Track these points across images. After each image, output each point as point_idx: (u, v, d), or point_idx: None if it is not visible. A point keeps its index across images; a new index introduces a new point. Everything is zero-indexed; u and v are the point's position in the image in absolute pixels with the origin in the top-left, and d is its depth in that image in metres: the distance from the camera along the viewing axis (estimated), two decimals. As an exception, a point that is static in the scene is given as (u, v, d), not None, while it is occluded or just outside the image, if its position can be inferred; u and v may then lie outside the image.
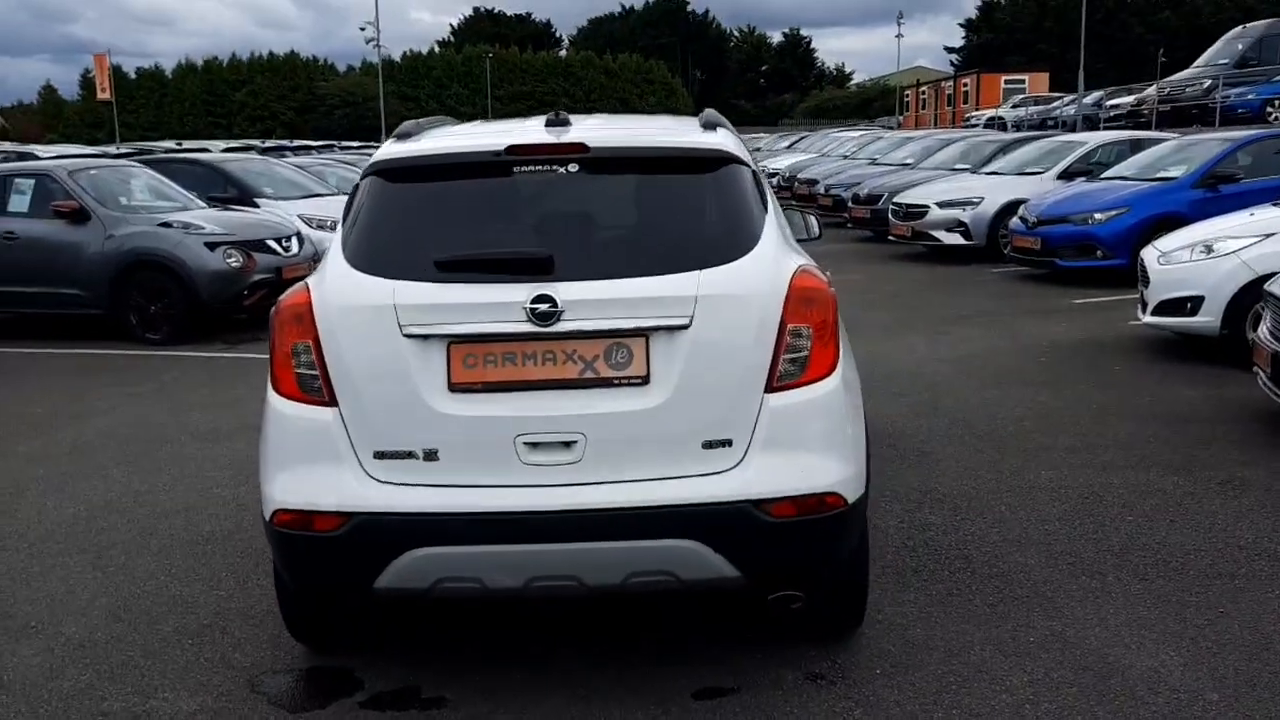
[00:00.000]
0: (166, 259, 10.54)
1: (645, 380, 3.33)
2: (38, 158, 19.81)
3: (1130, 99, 32.12)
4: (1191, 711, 3.45)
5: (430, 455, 3.35)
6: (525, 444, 3.32)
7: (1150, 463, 5.92)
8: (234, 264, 10.63)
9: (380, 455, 3.37)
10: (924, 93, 64.93)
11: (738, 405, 3.36)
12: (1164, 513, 5.16)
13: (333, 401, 3.41)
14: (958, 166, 18.39)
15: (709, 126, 3.93)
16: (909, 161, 21.02)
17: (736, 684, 3.68)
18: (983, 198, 15.25)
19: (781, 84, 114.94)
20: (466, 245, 3.50)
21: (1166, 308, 8.35)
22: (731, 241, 3.49)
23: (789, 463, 3.37)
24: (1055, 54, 61.64)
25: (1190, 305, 8.15)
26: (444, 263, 3.40)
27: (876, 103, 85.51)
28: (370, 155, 4.20)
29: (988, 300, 11.99)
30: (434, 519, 3.31)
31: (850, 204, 19.00)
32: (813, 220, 5.59)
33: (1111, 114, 32.31)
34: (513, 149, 3.56)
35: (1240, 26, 27.24)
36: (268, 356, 3.56)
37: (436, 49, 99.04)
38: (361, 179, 3.78)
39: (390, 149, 3.81)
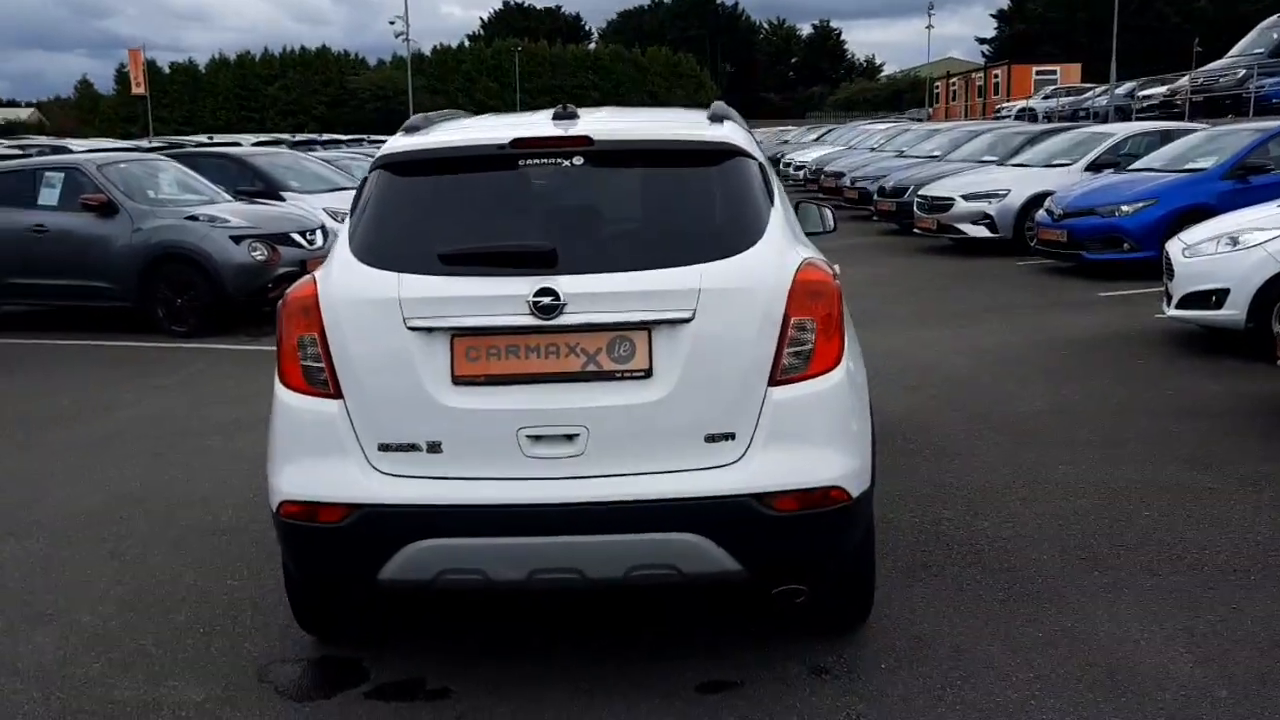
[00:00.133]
0: (193, 252, 10.64)
1: (648, 373, 3.33)
2: (71, 151, 20.05)
3: (1163, 89, 31.72)
4: (1200, 708, 3.42)
5: (434, 448, 3.36)
6: (528, 437, 3.33)
7: (1169, 457, 5.86)
8: (259, 257, 10.71)
9: (385, 447, 3.39)
10: (954, 84, 64.49)
11: (741, 399, 3.35)
12: (1181, 508, 5.11)
13: (338, 394, 3.43)
14: (985, 159, 18.23)
15: (716, 119, 3.92)
16: (936, 154, 20.87)
17: (740, 677, 3.68)
18: (1009, 190, 15.12)
19: (811, 76, 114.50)
20: (471, 238, 3.51)
21: (1191, 300, 8.25)
22: (736, 234, 3.48)
23: (792, 456, 3.36)
24: (1088, 44, 61.05)
25: (1215, 298, 8.06)
26: (448, 256, 3.41)
27: (906, 95, 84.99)
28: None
29: (1012, 293, 11.90)
30: (437, 511, 3.33)
31: (876, 197, 18.90)
32: (828, 213, 5.55)
33: (1144, 105, 31.94)
34: (517, 142, 3.56)
35: (1276, 15, 26.81)
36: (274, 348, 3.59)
37: (466, 43, 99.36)
38: (369, 172, 3.80)
39: (397, 142, 3.83)
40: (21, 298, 11.48)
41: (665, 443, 3.34)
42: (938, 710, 3.46)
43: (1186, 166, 12.72)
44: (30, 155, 18.45)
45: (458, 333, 3.35)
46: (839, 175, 23.08)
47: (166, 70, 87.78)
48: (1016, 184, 15.28)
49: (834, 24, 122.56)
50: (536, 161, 3.57)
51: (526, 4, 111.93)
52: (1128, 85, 35.54)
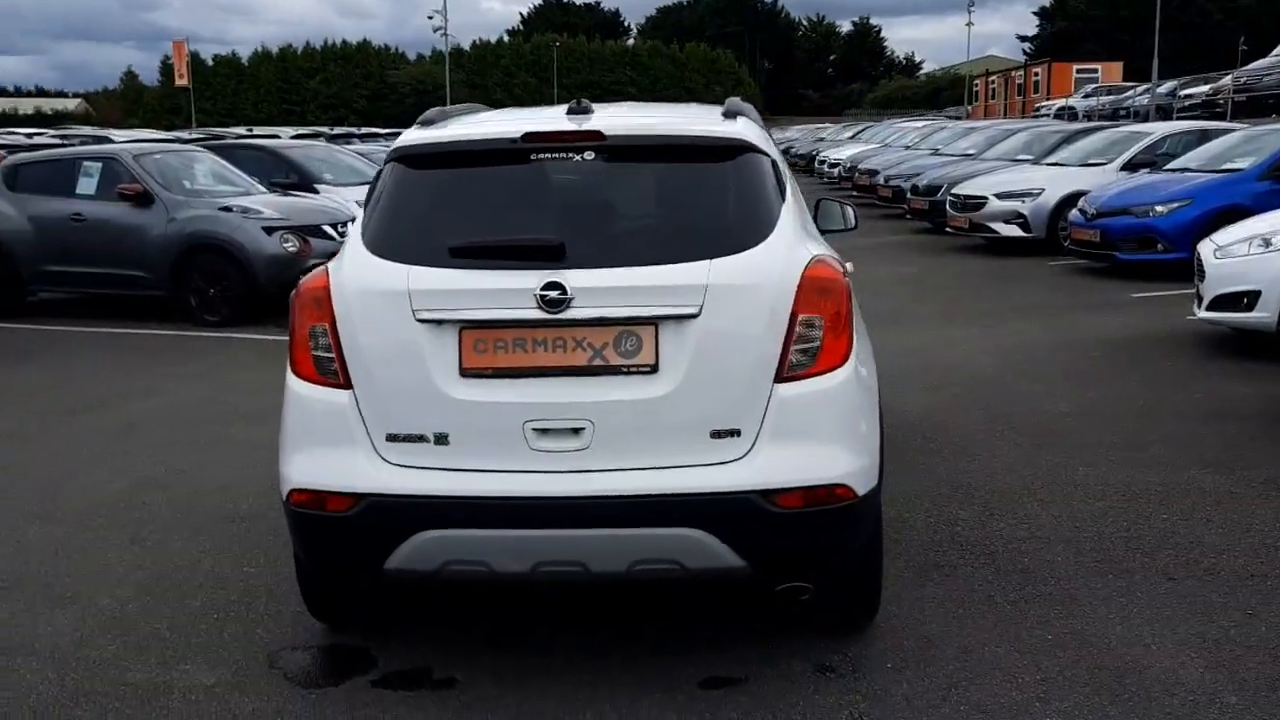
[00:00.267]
0: (225, 242, 10.75)
1: (654, 369, 3.34)
2: (112, 142, 20.32)
3: (1205, 89, 31.35)
4: (1208, 714, 3.38)
5: (441, 439, 3.39)
6: (534, 430, 3.34)
7: (1193, 460, 5.80)
8: (290, 248, 10.81)
9: (393, 438, 3.42)
10: (993, 82, 63.97)
11: (747, 395, 3.35)
12: (1201, 511, 5.05)
13: (348, 384, 3.46)
14: (1020, 157, 18.07)
15: (730, 115, 3.92)
16: (971, 152, 20.71)
17: (744, 674, 3.68)
18: (1043, 189, 14.97)
19: (850, 73, 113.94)
20: (482, 232, 3.53)
21: (1222, 302, 8.15)
22: (745, 231, 3.48)
23: (798, 453, 3.36)
24: (1131, 42, 60.39)
25: (1246, 300, 7.95)
26: (457, 249, 3.44)
27: (946, 92, 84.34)
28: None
29: (1042, 293, 11.80)
30: (443, 502, 3.35)
31: (909, 195, 18.78)
32: (849, 210, 5.53)
33: (1186, 104, 31.55)
34: (529, 136, 3.58)
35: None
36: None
37: (506, 38, 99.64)
38: (384, 165, 3.83)
39: (412, 135, 3.86)
40: (59, 285, 11.66)
41: (671, 438, 3.34)
42: (941, 710, 3.44)
43: (1223, 167, 12.56)
44: (73, 145, 18.72)
45: (466, 325, 3.37)
46: (873, 173, 22.96)
47: (210, 63, 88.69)
48: (1051, 183, 15.14)
49: (874, 21, 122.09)
50: (548, 156, 3.59)
51: (566, 0, 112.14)
52: (1169, 84, 35.15)
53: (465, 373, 3.37)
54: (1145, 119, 29.77)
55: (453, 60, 70.78)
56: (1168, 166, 13.71)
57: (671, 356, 3.33)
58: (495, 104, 4.46)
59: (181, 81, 58.18)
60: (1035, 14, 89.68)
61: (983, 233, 15.43)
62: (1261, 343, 8.10)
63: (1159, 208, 12.15)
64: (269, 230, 10.80)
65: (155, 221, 10.92)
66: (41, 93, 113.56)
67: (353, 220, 12.26)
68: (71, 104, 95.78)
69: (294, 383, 3.58)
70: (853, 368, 3.47)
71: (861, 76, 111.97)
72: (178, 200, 11.08)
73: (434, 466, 3.40)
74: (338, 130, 35.13)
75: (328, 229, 11.33)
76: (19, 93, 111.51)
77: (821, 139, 41.13)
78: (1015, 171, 16.53)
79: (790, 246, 3.50)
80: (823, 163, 31.29)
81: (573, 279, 3.32)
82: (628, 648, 3.90)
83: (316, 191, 13.58)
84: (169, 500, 5.66)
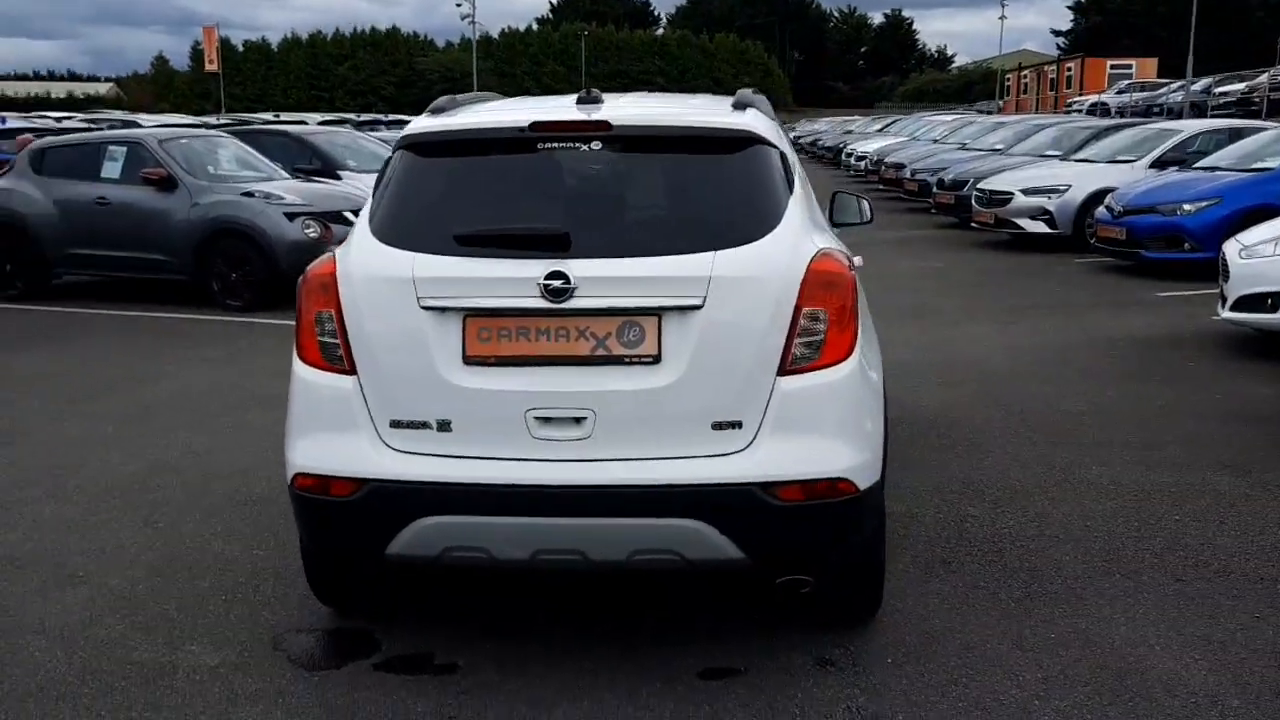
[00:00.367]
0: (247, 228, 10.81)
1: (656, 359, 3.34)
2: (140, 126, 20.48)
3: (1241, 86, 30.99)
4: (1208, 717, 3.35)
5: (444, 426, 3.40)
6: (536, 418, 3.35)
7: (1208, 462, 5.74)
8: (311, 234, 10.86)
9: (396, 424, 3.44)
10: (1025, 77, 63.47)
11: (749, 387, 3.35)
12: (1213, 513, 5.01)
13: (352, 370, 3.48)
14: (1048, 153, 17.93)
15: (739, 106, 3.91)
16: (999, 147, 20.56)
17: (744, 665, 3.69)
18: (1069, 185, 14.85)
19: (881, 66, 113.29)
20: (488, 220, 3.53)
21: (1246, 303, 8.06)
22: (750, 223, 3.47)
23: (799, 447, 3.35)
24: (1167, 39, 59.72)
25: (1271, 301, 7.86)
26: (462, 237, 3.44)
27: (978, 86, 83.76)
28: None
29: (1066, 291, 11.70)
30: (444, 488, 3.37)
31: (935, 189, 18.67)
32: (865, 204, 5.53)
33: (1220, 101, 31.21)
34: (536, 125, 3.58)
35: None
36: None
37: (535, 26, 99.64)
38: (393, 152, 3.84)
39: (421, 123, 3.87)
40: (83, 268, 11.76)
41: (672, 428, 3.34)
42: (940, 707, 3.43)
43: (1254, 165, 12.40)
44: (101, 129, 18.88)
45: (470, 313, 3.38)
46: (899, 167, 22.85)
47: (240, 48, 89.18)
48: (1078, 179, 15.01)
49: (906, 13, 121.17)
50: (555, 145, 3.59)
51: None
52: (1204, 81, 34.76)
53: (469, 360, 3.38)
54: (1179, 116, 29.47)
55: (481, 48, 70.93)
56: (1197, 165, 13.56)
57: (674, 347, 3.33)
58: (523, 93, 4.41)
59: (211, 67, 58.57)
60: (1070, 8, 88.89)
61: (1008, 228, 15.32)
62: (1285, 344, 8.01)
63: (1186, 206, 12.03)
64: (291, 216, 10.86)
65: (179, 206, 11.00)
66: (74, 77, 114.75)
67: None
68: (103, 88, 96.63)
69: (300, 368, 3.60)
70: (857, 362, 3.45)
71: (892, 69, 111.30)
72: (201, 185, 11.16)
73: (436, 453, 3.41)
74: (365, 117, 35.25)
75: (349, 215, 11.33)
76: (52, 77, 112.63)
77: (850, 131, 40.96)
78: (1042, 167, 16.41)
79: (796, 239, 3.49)
80: (850, 155, 31.17)
81: (576, 268, 3.32)
82: (628, 637, 3.91)
83: (339, 178, 13.63)
84: (183, 483, 5.71)
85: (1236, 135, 14.60)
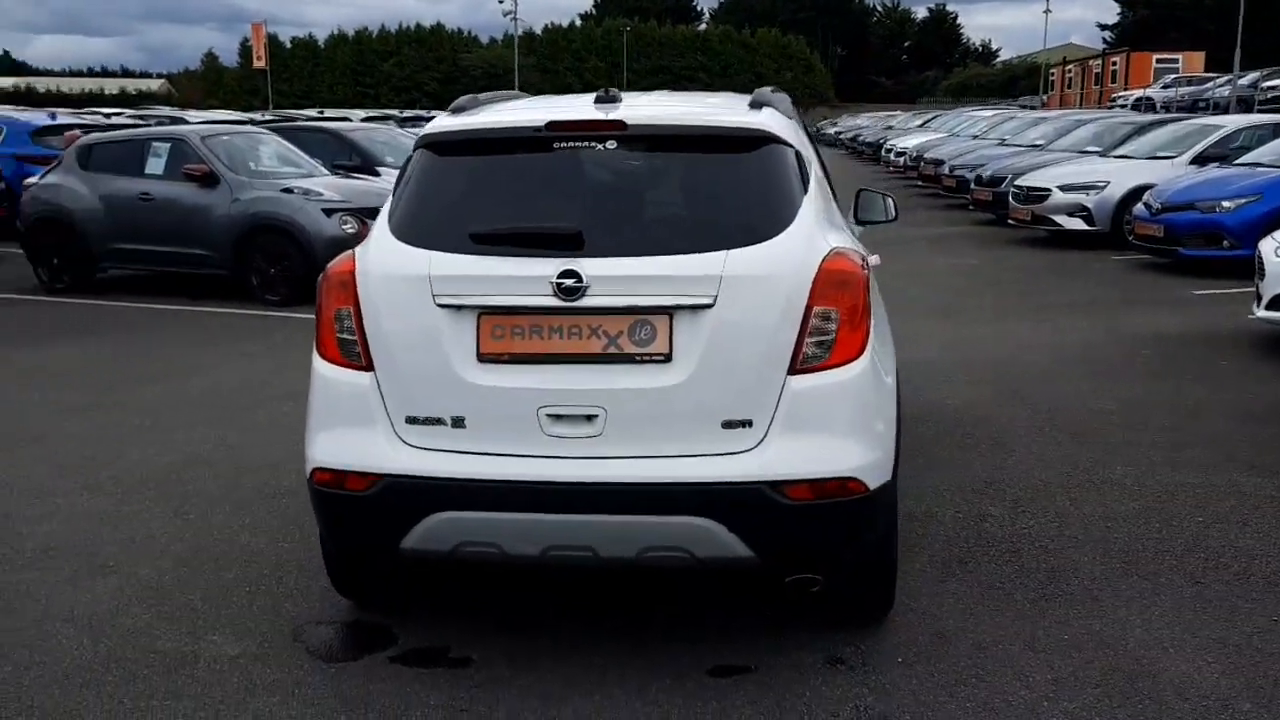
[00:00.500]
0: (286, 223, 10.96)
1: (668, 358, 3.37)
2: (187, 123, 20.77)
3: (1290, 80, 30.45)
4: (1219, 720, 3.35)
5: (458, 422, 3.46)
6: (548, 415, 3.40)
7: (1236, 463, 5.69)
8: (349, 230, 10.97)
9: (411, 420, 3.50)
10: (1070, 71, 62.74)
11: (759, 386, 3.37)
12: (1237, 515, 4.97)
13: (369, 366, 3.55)
14: (1088, 149, 17.73)
15: (756, 106, 3.93)
16: (1040, 143, 20.35)
17: (754, 663, 3.71)
18: (1108, 182, 14.68)
19: (924, 60, 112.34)
20: (503, 219, 3.58)
21: (1282, 302, 7.95)
22: (763, 222, 3.49)
23: (809, 446, 3.37)
24: (1216, 32, 58.70)
25: (1307, 301, 7.76)
26: (477, 235, 3.50)
27: (1022, 81, 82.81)
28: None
29: (1101, 288, 11.59)
30: (457, 484, 3.42)
31: (972, 185, 18.53)
32: (890, 202, 5.56)
33: (1269, 96, 30.69)
34: (553, 125, 3.63)
35: None
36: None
37: (578, 22, 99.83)
38: (413, 151, 3.90)
39: (440, 122, 3.93)
40: (126, 262, 11.97)
41: (682, 427, 3.38)
42: (948, 707, 3.45)
43: (1297, 162, 12.21)
44: (150, 125, 19.17)
45: (484, 311, 3.43)
46: (938, 163, 22.68)
47: (288, 45, 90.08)
48: (1117, 176, 14.84)
49: (950, 7, 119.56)
50: (571, 144, 3.63)
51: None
52: (1252, 75, 34.18)
53: (482, 358, 3.44)
54: (1225, 111, 29.02)
55: (524, 44, 71.17)
56: (1239, 161, 13.37)
57: (685, 346, 3.37)
58: (565, 89, 4.42)
59: (259, 63, 59.23)
60: (1116, 0, 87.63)
61: (1045, 225, 15.18)
62: (1322, 344, 7.90)
63: (1226, 203, 11.87)
64: (328, 212, 10.99)
65: (219, 202, 11.16)
66: (127, 73, 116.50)
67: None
68: (155, 85, 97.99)
69: (319, 364, 3.68)
70: (869, 361, 3.47)
71: (936, 64, 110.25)
72: (242, 181, 11.31)
73: (450, 449, 3.47)
74: (408, 113, 35.51)
75: (385, 211, 11.47)
76: (106, 73, 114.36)
77: (890, 127, 40.67)
78: (1081, 163, 16.24)
79: (809, 238, 3.51)
80: (889, 151, 30.98)
81: (589, 267, 3.36)
82: (639, 634, 3.95)
83: (378, 174, 13.77)
84: (215, 475, 5.82)
85: (1280, 131, 14.38)
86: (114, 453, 6.24)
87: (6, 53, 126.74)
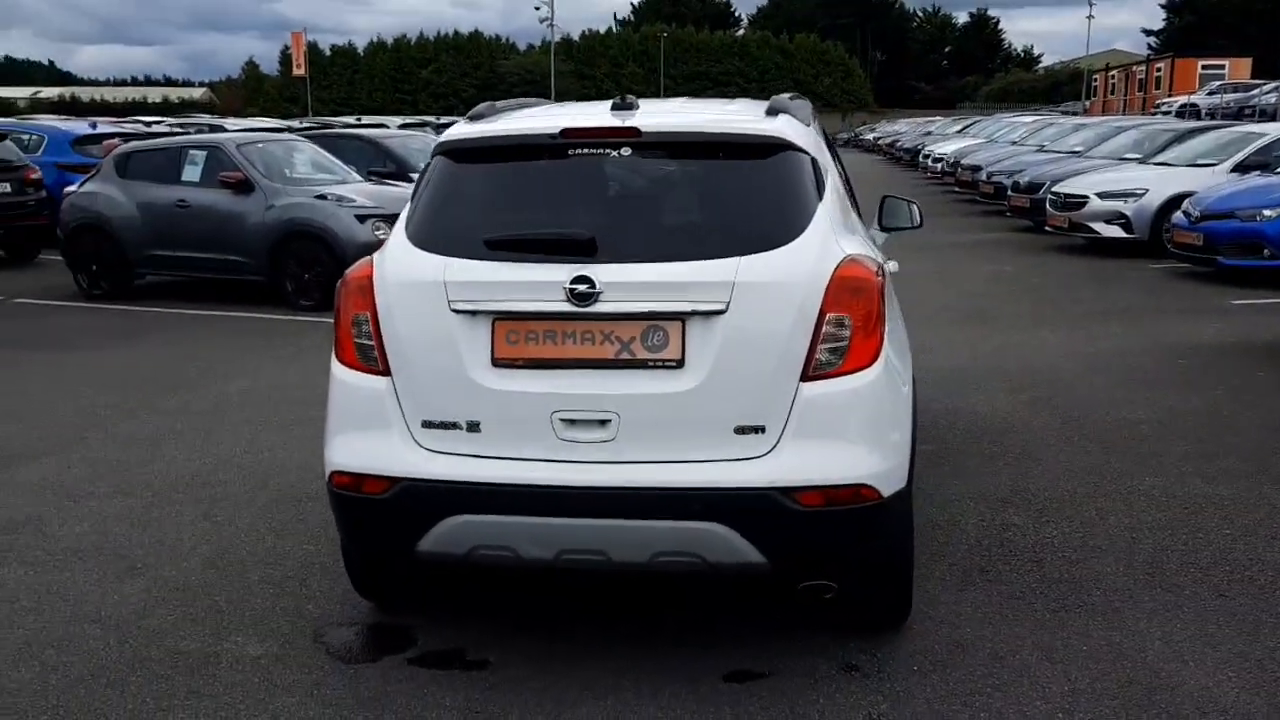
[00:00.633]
0: (319, 230, 11.08)
1: (680, 363, 3.39)
2: (226, 130, 21.04)
3: (1338, 86, 29.93)
4: (1238, 734, 3.31)
5: (473, 427, 3.49)
6: (562, 420, 3.42)
7: (1268, 475, 5.61)
8: (381, 235, 11.06)
9: (428, 424, 3.53)
10: (1113, 77, 62.06)
11: (772, 392, 3.38)
12: (1266, 527, 4.90)
13: (386, 371, 3.59)
14: (1128, 155, 17.54)
15: (772, 112, 3.94)
16: (1079, 149, 20.17)
17: (769, 669, 3.72)
18: (1147, 189, 14.52)
19: (965, 66, 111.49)
20: (518, 225, 3.62)
21: (1320, 312, 7.84)
22: (776, 228, 3.50)
23: (822, 452, 3.38)
24: (1263, 38, 57.93)
25: (1345, 310, 7.64)
26: (492, 241, 3.53)
27: (1065, 87, 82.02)
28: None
29: (1138, 297, 11.46)
30: (472, 488, 3.45)
31: (1010, 192, 18.39)
32: (915, 209, 5.59)
33: (1316, 102, 30.20)
34: (567, 132, 3.65)
35: None
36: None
37: (615, 28, 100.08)
38: (431, 158, 3.94)
39: (457, 130, 3.97)
40: (163, 269, 12.13)
41: (695, 432, 3.39)
42: (961, 716, 3.43)
43: (1339, 169, 12.02)
44: (189, 133, 19.44)
45: (499, 316, 3.46)
46: (976, 169, 22.53)
47: (327, 53, 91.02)
48: (1156, 183, 14.67)
49: (992, 12, 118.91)
50: (585, 151, 3.66)
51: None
52: (1299, 81, 33.63)
53: (497, 363, 3.47)
54: (1273, 118, 28.59)
55: (562, 50, 71.47)
56: (1280, 168, 13.19)
57: (698, 352, 3.38)
58: (603, 95, 4.40)
59: (299, 71, 59.88)
60: (1162, 6, 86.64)
61: (1083, 233, 15.04)
62: (1360, 353, 7.77)
63: (1267, 211, 11.71)
64: (361, 218, 11.10)
65: (254, 208, 11.30)
66: (170, 82, 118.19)
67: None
68: (197, 93, 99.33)
69: (338, 369, 3.73)
70: (882, 368, 3.46)
71: (977, 69, 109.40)
72: (276, 188, 11.45)
73: (466, 453, 3.50)
74: (445, 119, 35.74)
75: (419, 218, 11.56)
76: (149, 82, 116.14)
77: (929, 133, 40.43)
78: (1119, 170, 16.07)
79: (823, 245, 3.51)
80: (927, 157, 30.82)
81: (601, 273, 3.38)
82: (656, 638, 3.96)
83: (412, 180, 13.86)
84: (244, 478, 5.90)
85: (1325, 138, 14.16)
86: (147, 456, 6.34)
87: (52, 63, 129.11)
